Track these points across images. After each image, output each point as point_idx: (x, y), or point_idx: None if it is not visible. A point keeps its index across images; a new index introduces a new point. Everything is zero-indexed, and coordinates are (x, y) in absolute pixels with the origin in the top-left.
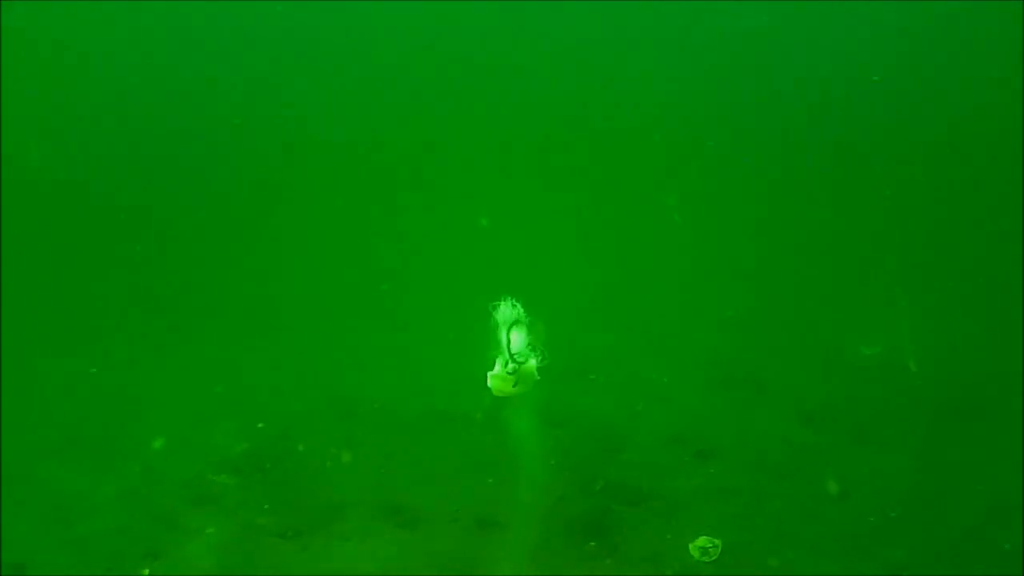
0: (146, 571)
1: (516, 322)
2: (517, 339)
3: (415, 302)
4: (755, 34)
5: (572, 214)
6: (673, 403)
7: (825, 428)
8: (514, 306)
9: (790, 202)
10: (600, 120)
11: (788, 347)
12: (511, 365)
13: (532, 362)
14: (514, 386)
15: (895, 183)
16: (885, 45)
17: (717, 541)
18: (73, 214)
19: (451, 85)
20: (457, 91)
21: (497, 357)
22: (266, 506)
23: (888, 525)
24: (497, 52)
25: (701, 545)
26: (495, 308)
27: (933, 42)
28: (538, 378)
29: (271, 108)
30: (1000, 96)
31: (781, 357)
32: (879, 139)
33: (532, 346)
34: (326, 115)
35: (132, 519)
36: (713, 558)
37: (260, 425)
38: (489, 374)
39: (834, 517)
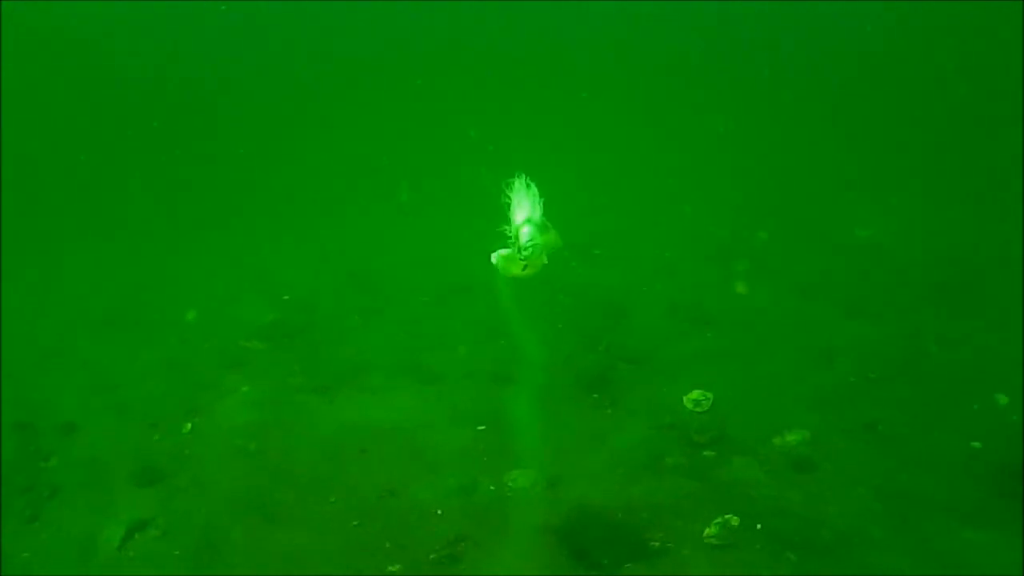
0: (188, 425)
1: (528, 201)
2: (528, 222)
3: (428, 187)
4: None
5: (582, 107)
6: (674, 276)
7: (817, 300)
8: (528, 185)
9: (791, 98)
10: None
11: (787, 228)
12: (523, 247)
13: (541, 240)
14: (524, 268)
15: (887, 87)
16: None
17: (709, 394)
18: (114, 121)
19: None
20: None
21: (508, 237)
22: (295, 367)
23: (867, 385)
24: None
25: (694, 398)
26: (507, 185)
27: None
28: (546, 261)
29: (296, 25)
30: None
31: (780, 237)
32: (875, 48)
33: (544, 225)
34: (347, 28)
35: (171, 383)
36: (705, 409)
37: (286, 297)
38: (497, 253)
39: (818, 378)
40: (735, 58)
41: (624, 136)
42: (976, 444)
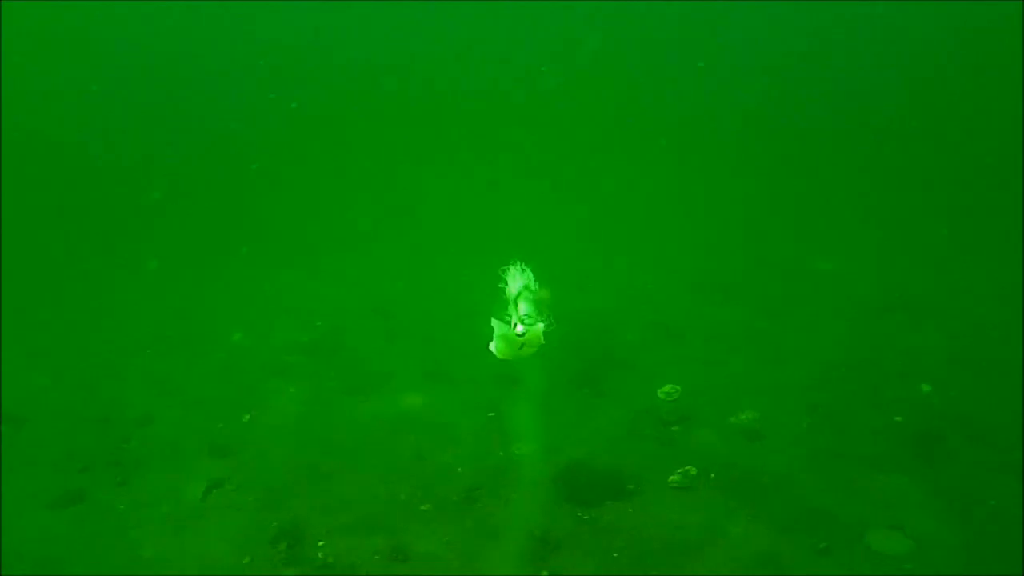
0: (246, 416)
1: (524, 287)
2: (525, 303)
3: (441, 232)
4: None
5: (572, 161)
6: (655, 302)
7: (777, 320)
8: (523, 270)
9: (762, 148)
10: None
11: (757, 264)
12: (519, 328)
13: (539, 326)
14: (520, 348)
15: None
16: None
17: (678, 387)
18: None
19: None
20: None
21: (504, 320)
22: (332, 375)
23: (812, 381)
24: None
25: (666, 390)
26: (504, 272)
27: None
28: (543, 342)
29: (320, 69)
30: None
31: (750, 271)
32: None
33: (539, 311)
34: (372, 73)
35: (226, 387)
36: (674, 399)
37: (318, 324)
38: (495, 336)
39: (771, 375)
40: (703, 114)
41: (608, 185)
42: (899, 419)
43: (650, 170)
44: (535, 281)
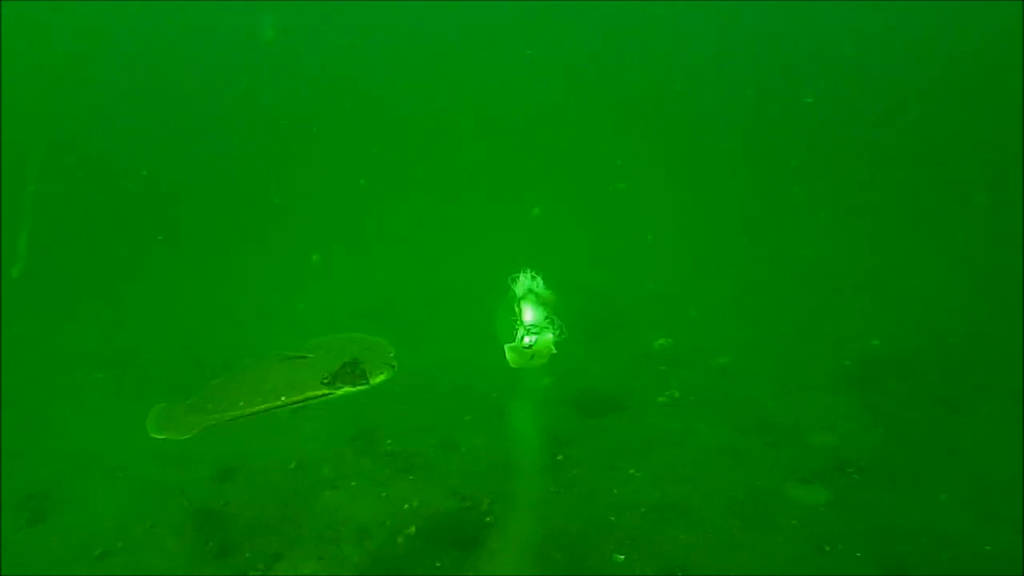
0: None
1: (534, 295)
2: (534, 312)
3: (472, 228)
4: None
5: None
6: (657, 279)
7: (762, 295)
8: (533, 278)
9: (757, 149)
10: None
11: (746, 249)
12: (528, 338)
13: (549, 335)
14: (531, 359)
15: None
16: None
17: (671, 340)
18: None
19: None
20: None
21: (515, 329)
22: (387, 334)
23: (780, 336)
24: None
25: (661, 342)
26: (514, 280)
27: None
28: (555, 351)
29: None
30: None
31: (740, 255)
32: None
33: (550, 319)
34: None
35: (297, 342)
36: (667, 348)
37: (370, 296)
38: (506, 346)
39: (748, 331)
40: (706, 113)
41: (613, 180)
42: (847, 362)
43: (650, 166)
44: (545, 290)
